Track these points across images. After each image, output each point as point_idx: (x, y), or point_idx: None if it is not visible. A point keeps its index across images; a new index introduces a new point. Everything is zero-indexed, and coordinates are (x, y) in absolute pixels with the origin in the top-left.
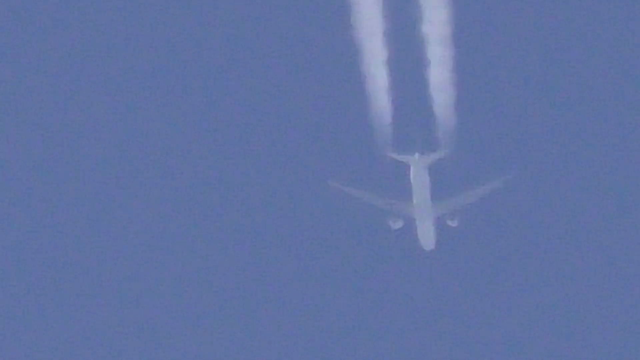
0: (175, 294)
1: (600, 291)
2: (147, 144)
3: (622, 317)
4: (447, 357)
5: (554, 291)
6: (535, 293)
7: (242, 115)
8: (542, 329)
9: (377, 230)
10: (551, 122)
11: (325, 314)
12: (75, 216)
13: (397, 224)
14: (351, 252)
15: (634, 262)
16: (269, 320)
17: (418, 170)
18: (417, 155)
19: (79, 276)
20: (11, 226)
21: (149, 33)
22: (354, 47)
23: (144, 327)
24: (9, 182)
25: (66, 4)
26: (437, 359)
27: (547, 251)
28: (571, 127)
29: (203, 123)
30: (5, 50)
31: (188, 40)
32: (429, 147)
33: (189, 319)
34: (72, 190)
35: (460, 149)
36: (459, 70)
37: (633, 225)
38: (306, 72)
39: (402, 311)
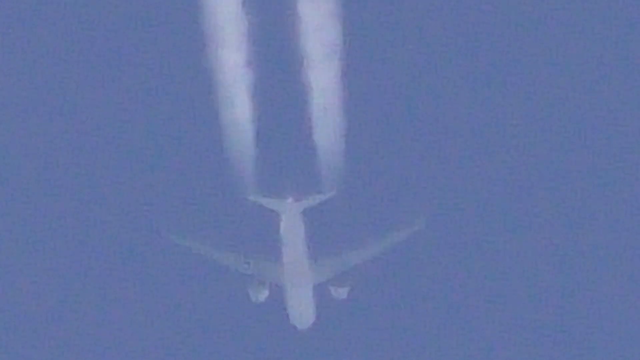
0: None
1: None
2: None
3: None
4: None
5: None
6: None
7: (81, 152)
8: None
9: (230, 303)
10: (461, 160)
11: None
12: None
13: (260, 294)
14: (193, 331)
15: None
16: None
17: (291, 220)
18: (290, 199)
19: None
20: None
21: None
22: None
23: None
24: None
25: None
26: None
27: (463, 331)
28: (479, 162)
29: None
30: None
31: None
32: (306, 189)
33: None
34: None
35: (349, 191)
36: (347, 92)
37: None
38: (156, 96)
39: None
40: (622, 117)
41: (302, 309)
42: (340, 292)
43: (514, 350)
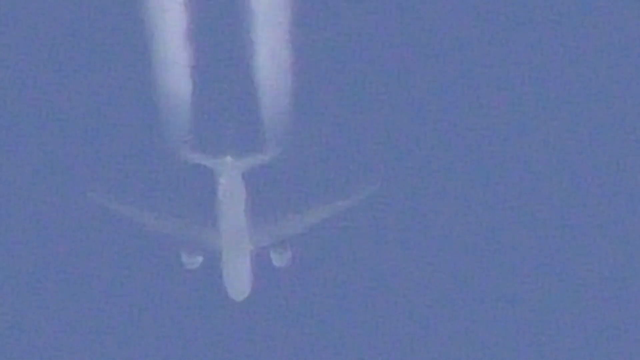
0: None
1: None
2: None
3: None
4: None
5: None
6: None
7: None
8: None
9: (162, 269)
10: (416, 121)
11: None
12: None
13: (194, 261)
14: (121, 298)
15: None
16: None
17: (229, 180)
18: (228, 157)
19: None
20: None
21: None
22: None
23: None
24: None
25: None
26: None
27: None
28: (435, 122)
29: None
30: None
31: None
32: (247, 146)
33: None
34: None
35: (294, 150)
36: (295, 47)
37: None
38: (83, 46)
39: None
40: (622, 118)
41: (239, 278)
42: (282, 259)
43: (460, 316)
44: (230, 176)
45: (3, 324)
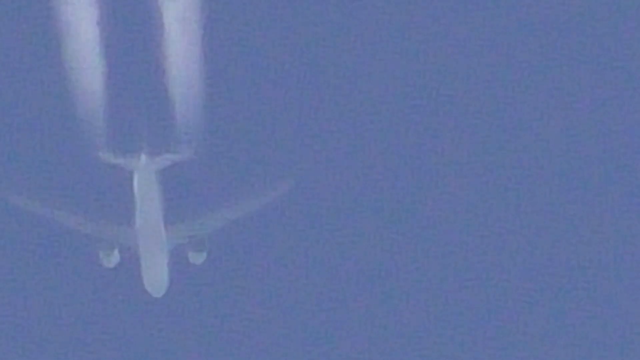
0: None
1: None
2: None
3: None
4: None
5: None
6: None
7: None
8: None
9: (79, 268)
10: (330, 119)
11: None
12: None
13: (111, 259)
14: (39, 297)
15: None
16: None
17: (144, 179)
18: (143, 157)
19: None
20: None
21: None
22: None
23: None
24: None
25: None
26: None
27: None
28: (349, 117)
29: None
30: None
31: None
32: (161, 146)
33: None
34: None
35: (208, 151)
36: (207, 46)
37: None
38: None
39: None
40: (621, 118)
41: (156, 275)
42: (197, 257)
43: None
44: (144, 174)
45: None
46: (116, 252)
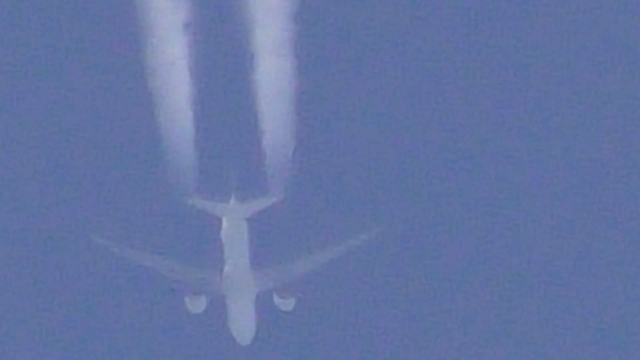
0: None
1: None
2: None
3: None
4: None
5: None
6: None
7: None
8: None
9: (166, 314)
10: (420, 163)
11: None
12: None
13: (198, 305)
14: (126, 342)
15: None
16: None
17: (233, 225)
18: (232, 202)
19: None
20: None
21: None
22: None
23: None
24: None
25: None
26: None
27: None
28: (440, 164)
29: None
30: None
31: None
32: (250, 192)
33: None
34: None
35: (297, 196)
36: (298, 89)
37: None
38: (91, 91)
39: None
40: (621, 119)
41: (243, 322)
42: (286, 304)
43: None
44: (233, 220)
45: None
46: (203, 298)
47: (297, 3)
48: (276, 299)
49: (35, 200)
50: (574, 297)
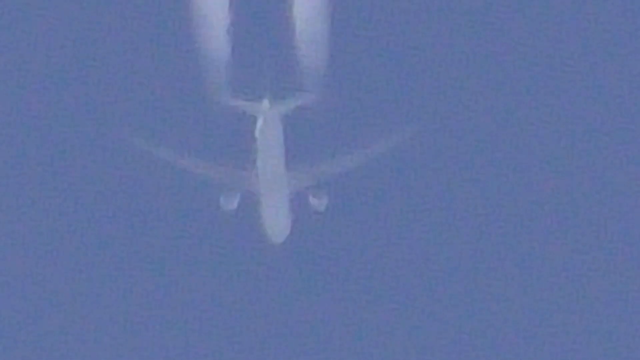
0: None
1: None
2: None
3: None
4: None
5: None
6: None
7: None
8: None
9: (200, 211)
10: (457, 69)
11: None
12: None
13: (231, 203)
14: (160, 240)
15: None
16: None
17: (267, 124)
18: (265, 101)
19: None
20: None
21: None
22: None
23: None
24: None
25: None
26: None
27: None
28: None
29: None
30: None
31: None
32: (284, 90)
33: None
34: None
35: (331, 95)
36: None
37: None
38: None
39: (236, 333)
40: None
41: (277, 220)
42: (319, 204)
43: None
44: (267, 120)
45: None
46: (237, 194)
47: None
48: (310, 199)
49: (69, 98)
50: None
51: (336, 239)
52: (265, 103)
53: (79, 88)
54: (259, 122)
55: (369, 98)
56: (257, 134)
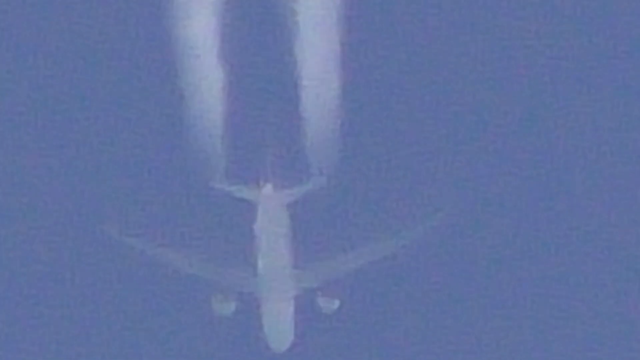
0: None
1: None
2: None
3: None
4: None
5: None
6: None
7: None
8: None
9: (191, 318)
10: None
11: None
12: None
13: (226, 307)
14: (153, 348)
15: None
16: None
17: (269, 214)
18: (269, 187)
19: None
20: None
21: None
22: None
23: None
24: None
25: None
26: None
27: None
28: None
29: None
30: None
31: None
32: (289, 175)
33: None
34: None
35: (343, 178)
36: (344, 59)
37: None
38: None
39: None
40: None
41: (279, 326)
42: (328, 305)
43: None
44: (271, 209)
45: None
46: (232, 299)
47: None
48: (319, 300)
49: (48, 187)
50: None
51: (347, 348)
52: (268, 188)
53: (57, 171)
54: (260, 212)
55: (387, 182)
56: (257, 225)
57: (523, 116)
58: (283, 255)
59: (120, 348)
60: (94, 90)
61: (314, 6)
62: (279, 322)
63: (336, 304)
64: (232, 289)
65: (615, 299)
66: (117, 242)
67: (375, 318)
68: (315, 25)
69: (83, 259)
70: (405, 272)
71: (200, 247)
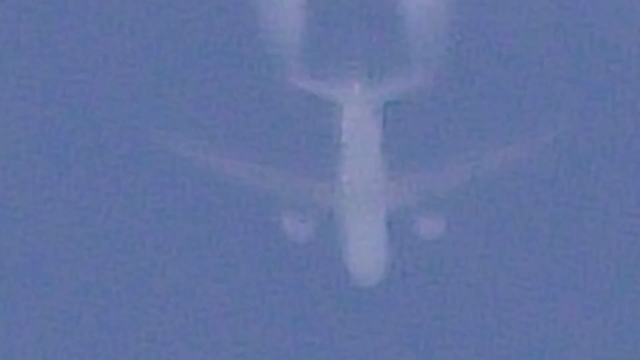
0: None
1: None
2: None
3: None
4: None
5: None
6: None
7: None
8: None
9: (258, 241)
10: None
11: None
12: None
13: (301, 230)
14: (211, 281)
15: None
16: None
17: (358, 117)
18: (357, 85)
19: None
20: None
21: None
22: None
23: None
24: None
25: None
26: None
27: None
28: None
29: None
30: None
31: None
32: (383, 70)
33: None
34: None
35: (450, 75)
36: None
37: None
38: None
39: None
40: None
41: (368, 252)
42: (433, 227)
43: None
44: (359, 111)
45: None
46: (309, 219)
47: None
48: (419, 221)
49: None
50: None
51: (454, 284)
52: (357, 87)
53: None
54: (346, 114)
55: (497, 84)
56: (342, 130)
57: None
58: (373, 166)
59: (178, 279)
60: None
61: None
62: (367, 248)
63: (441, 226)
64: (309, 206)
65: (615, 299)
66: (173, 151)
67: (490, 243)
68: None
69: (128, 170)
70: (528, 186)
71: (271, 155)
